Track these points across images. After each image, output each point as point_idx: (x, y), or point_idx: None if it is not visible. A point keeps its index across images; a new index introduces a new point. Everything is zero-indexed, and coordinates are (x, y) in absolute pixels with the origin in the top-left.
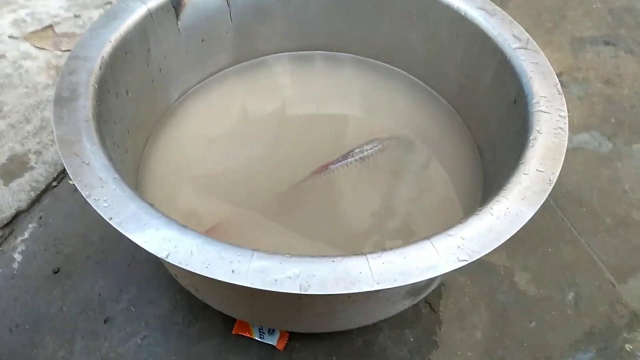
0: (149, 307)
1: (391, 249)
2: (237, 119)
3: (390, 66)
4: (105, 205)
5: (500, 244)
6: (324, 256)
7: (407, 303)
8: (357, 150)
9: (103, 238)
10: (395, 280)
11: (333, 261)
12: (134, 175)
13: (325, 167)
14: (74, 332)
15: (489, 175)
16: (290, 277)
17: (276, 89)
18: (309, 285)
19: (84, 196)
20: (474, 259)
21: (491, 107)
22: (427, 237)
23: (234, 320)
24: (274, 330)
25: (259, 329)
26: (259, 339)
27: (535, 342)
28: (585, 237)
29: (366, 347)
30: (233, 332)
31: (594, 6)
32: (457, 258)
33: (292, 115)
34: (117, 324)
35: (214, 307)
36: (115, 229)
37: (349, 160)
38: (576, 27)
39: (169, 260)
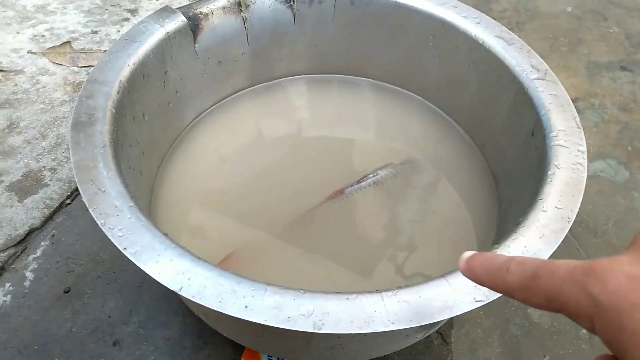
0: (159, 329)
1: (407, 286)
2: (252, 141)
3: (405, 91)
4: (120, 234)
5: None
6: (337, 293)
7: (420, 336)
8: (372, 175)
9: (114, 258)
10: (411, 320)
11: (347, 298)
12: (147, 198)
13: (340, 192)
14: (82, 355)
15: (504, 204)
16: (303, 315)
17: (291, 112)
18: (323, 324)
19: (99, 225)
20: (490, 299)
21: (507, 137)
22: (443, 275)
23: (243, 346)
24: (283, 359)
25: (269, 357)
26: None
27: None
28: None
29: None
30: (242, 359)
31: (611, 30)
32: (474, 298)
33: (307, 138)
34: (126, 347)
35: (224, 335)
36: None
37: (363, 184)
38: (592, 51)
39: (182, 293)
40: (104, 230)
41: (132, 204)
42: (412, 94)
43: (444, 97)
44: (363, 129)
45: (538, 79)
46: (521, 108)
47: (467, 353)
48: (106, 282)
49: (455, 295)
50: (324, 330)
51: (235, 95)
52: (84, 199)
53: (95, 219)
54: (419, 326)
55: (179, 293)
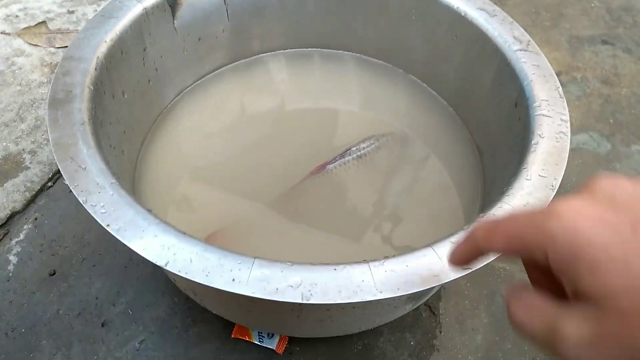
0: (147, 310)
1: (394, 256)
2: (234, 117)
3: (389, 65)
4: (103, 211)
5: None
6: (325, 264)
7: (409, 307)
8: (354, 148)
9: (99, 239)
10: (398, 289)
11: (335, 269)
12: (130, 177)
13: (322, 167)
14: (70, 336)
15: (488, 176)
16: (291, 286)
17: (274, 87)
18: (311, 295)
19: (81, 202)
20: (476, 267)
21: (491, 109)
22: (429, 244)
23: (233, 323)
24: (273, 334)
25: (259, 333)
26: (259, 343)
27: (536, 346)
28: None
29: (366, 351)
30: (232, 336)
31: (592, 5)
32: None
33: (290, 112)
34: (115, 328)
35: (213, 312)
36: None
37: (346, 159)
38: (574, 25)
39: (168, 268)
40: (86, 207)
41: (114, 180)
42: (396, 68)
43: (428, 71)
44: (347, 103)
45: (521, 50)
46: (504, 80)
47: (455, 324)
48: (92, 263)
49: (442, 264)
50: (312, 301)
51: (216, 72)
52: (65, 177)
53: (76, 196)
54: (407, 296)
55: (165, 268)
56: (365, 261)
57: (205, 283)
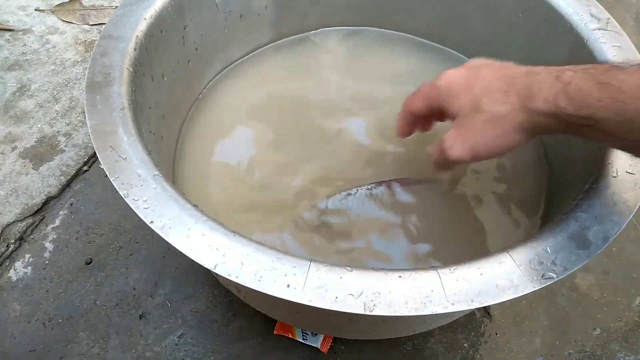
0: (186, 302)
1: (465, 262)
2: (277, 100)
3: (442, 47)
4: (146, 206)
5: (590, 258)
6: (389, 269)
7: (467, 311)
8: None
9: (136, 227)
10: (472, 301)
11: (400, 276)
12: (169, 164)
13: (388, 184)
14: (108, 328)
15: (555, 170)
16: (352, 295)
17: (319, 68)
18: (374, 306)
19: (122, 196)
20: (561, 277)
21: None
22: (505, 249)
23: (275, 319)
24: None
25: (302, 330)
26: (302, 341)
27: (599, 352)
28: None
29: (416, 352)
30: (274, 333)
31: None
32: (542, 275)
33: (335, 95)
34: (153, 320)
35: (258, 309)
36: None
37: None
38: None
39: (218, 271)
40: (127, 202)
41: (157, 172)
42: (450, 50)
43: (487, 54)
44: (394, 87)
45: (599, 29)
46: (579, 63)
47: (512, 326)
48: (129, 252)
49: (520, 272)
50: (375, 312)
51: (258, 51)
52: (104, 168)
53: (117, 189)
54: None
55: (214, 271)
56: (433, 268)
57: (258, 289)
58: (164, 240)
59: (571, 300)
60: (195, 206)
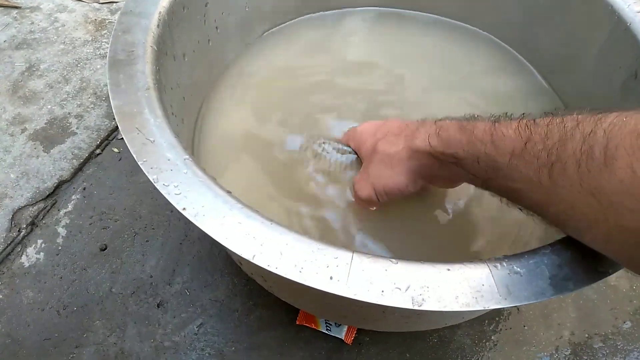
0: (205, 291)
1: (516, 255)
2: (297, 82)
3: (472, 27)
4: (177, 192)
5: None
6: (437, 263)
7: (520, 305)
8: None
9: (152, 212)
10: (526, 296)
11: (449, 269)
12: (189, 148)
13: None
14: (125, 317)
15: None
16: (399, 289)
17: (342, 48)
18: (423, 300)
19: (152, 181)
20: (617, 270)
21: (598, 80)
22: (563, 240)
23: (296, 308)
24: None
25: (326, 320)
26: (325, 332)
27: (630, 346)
28: None
29: (442, 344)
30: (297, 323)
31: None
32: (596, 268)
33: (361, 81)
34: (171, 309)
35: (283, 299)
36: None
37: None
38: None
39: (256, 262)
40: (158, 187)
41: (187, 156)
42: (480, 30)
43: (518, 36)
44: (420, 68)
45: None
46: (620, 46)
47: (539, 318)
48: (145, 238)
49: (578, 263)
50: (424, 307)
51: (278, 29)
52: (132, 151)
53: (146, 173)
54: None
55: (252, 261)
56: (482, 260)
57: (299, 281)
58: (181, 226)
59: (599, 292)
60: (229, 192)
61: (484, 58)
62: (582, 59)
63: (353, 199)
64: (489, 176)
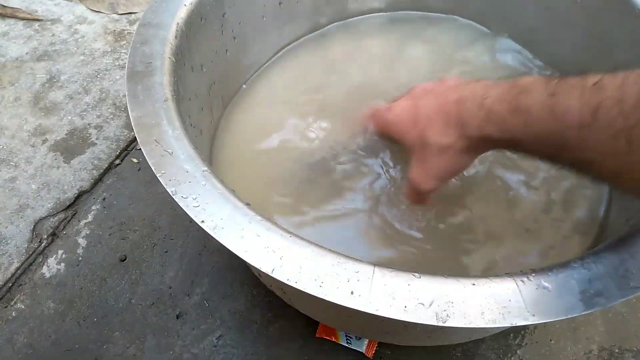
0: (224, 302)
1: (544, 269)
2: (316, 93)
3: (493, 32)
4: (195, 204)
5: None
6: (460, 277)
7: (549, 321)
8: None
9: (171, 223)
10: (556, 313)
11: (474, 284)
12: (207, 159)
13: None
14: (144, 328)
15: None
16: (422, 304)
17: (360, 58)
18: (448, 316)
19: (170, 193)
20: None
21: None
22: (593, 253)
23: (316, 321)
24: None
25: (346, 333)
26: (346, 345)
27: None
28: None
29: (465, 358)
30: (316, 336)
31: None
32: (629, 284)
33: (381, 84)
34: (190, 321)
35: (303, 312)
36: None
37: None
38: None
39: (275, 275)
40: (176, 199)
41: (205, 168)
42: (501, 36)
43: (538, 37)
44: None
45: None
46: None
47: (567, 332)
48: (164, 249)
49: (610, 278)
50: (449, 324)
51: (297, 41)
52: (150, 163)
53: (164, 185)
54: None
55: (272, 275)
56: (509, 274)
57: (319, 295)
58: (200, 237)
59: (629, 304)
60: (248, 204)
61: (506, 65)
62: (609, 65)
63: (407, 200)
64: (554, 152)
